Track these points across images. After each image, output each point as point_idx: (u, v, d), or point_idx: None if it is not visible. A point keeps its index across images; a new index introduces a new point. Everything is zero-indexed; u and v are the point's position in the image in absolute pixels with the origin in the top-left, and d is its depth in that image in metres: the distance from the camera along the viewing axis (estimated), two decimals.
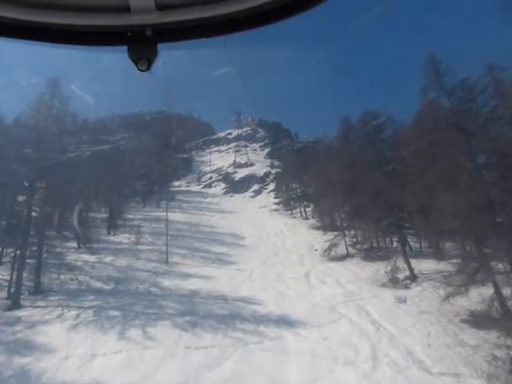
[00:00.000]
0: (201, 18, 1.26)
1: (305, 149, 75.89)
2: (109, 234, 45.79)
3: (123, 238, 42.33)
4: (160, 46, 1.28)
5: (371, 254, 36.86)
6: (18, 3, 1.19)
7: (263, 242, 43.56)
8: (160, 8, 1.23)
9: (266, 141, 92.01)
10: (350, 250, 39.26)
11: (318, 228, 49.03)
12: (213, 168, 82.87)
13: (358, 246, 40.33)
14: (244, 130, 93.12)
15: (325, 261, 36.73)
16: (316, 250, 40.20)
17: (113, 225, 48.61)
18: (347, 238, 41.69)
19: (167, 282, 28.98)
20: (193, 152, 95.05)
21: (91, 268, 31.90)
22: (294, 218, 57.10)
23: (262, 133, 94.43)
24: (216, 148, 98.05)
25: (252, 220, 54.47)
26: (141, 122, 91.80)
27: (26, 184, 36.26)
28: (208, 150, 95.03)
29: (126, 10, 1.22)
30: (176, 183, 77.38)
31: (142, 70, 1.28)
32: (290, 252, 39.99)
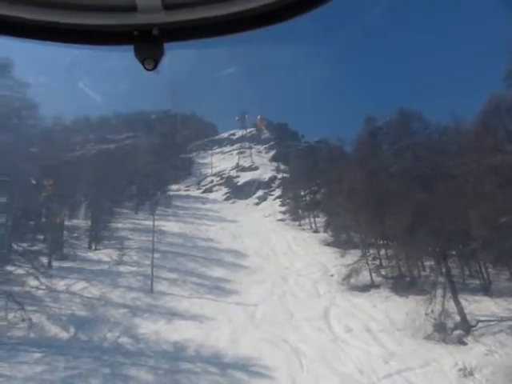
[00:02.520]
0: (207, 18, 1.23)
1: (314, 152, 68.54)
2: (90, 248, 38.48)
3: (104, 255, 35.02)
4: (166, 46, 1.24)
5: (402, 284, 29.38)
6: (25, 3, 1.17)
7: (269, 263, 36.17)
8: (167, 7, 1.19)
9: (272, 142, 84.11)
10: (374, 276, 31.81)
11: (331, 244, 41.53)
12: (214, 171, 75.30)
13: (383, 272, 32.83)
14: (248, 130, 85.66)
15: (345, 292, 29.32)
16: (332, 275, 32.76)
17: (96, 236, 41.35)
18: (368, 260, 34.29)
19: (146, 328, 21.66)
20: (194, 153, 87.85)
21: (54, 301, 24.61)
22: (303, 230, 49.56)
23: (267, 134, 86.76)
24: (219, 149, 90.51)
25: (256, 232, 47.02)
26: (146, 120, 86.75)
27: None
28: (210, 152, 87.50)
29: (132, 9, 1.18)
30: (174, 187, 70.03)
31: (148, 69, 1.24)
32: (301, 277, 32.58)
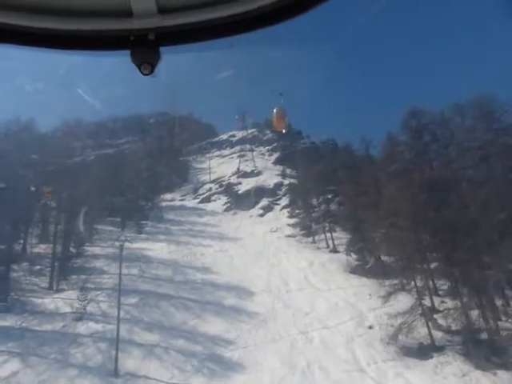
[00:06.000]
0: (203, 21, 1.19)
1: (322, 153, 58.94)
2: (50, 288, 28.97)
3: (64, 303, 25.48)
4: (163, 50, 1.21)
5: (477, 346, 19.75)
6: (21, 10, 1.12)
7: (282, 305, 26.59)
8: (162, 12, 1.16)
9: (275, 144, 74.18)
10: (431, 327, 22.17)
11: (357, 271, 31.95)
12: (213, 177, 65.51)
13: (440, 322, 23.19)
14: (249, 131, 75.88)
15: (396, 360, 19.72)
16: (371, 327, 23.20)
17: (64, 268, 31.86)
18: (412, 295, 24.76)
19: None
20: (191, 157, 78.31)
21: None
22: (318, 249, 39.80)
23: (269, 135, 76.97)
24: (218, 152, 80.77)
25: (262, 254, 37.44)
26: (145, 124, 79.59)
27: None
28: (208, 155, 77.70)
29: (128, 14, 1.15)
30: (168, 196, 60.50)
31: (145, 74, 1.21)
32: (328, 331, 22.99)
